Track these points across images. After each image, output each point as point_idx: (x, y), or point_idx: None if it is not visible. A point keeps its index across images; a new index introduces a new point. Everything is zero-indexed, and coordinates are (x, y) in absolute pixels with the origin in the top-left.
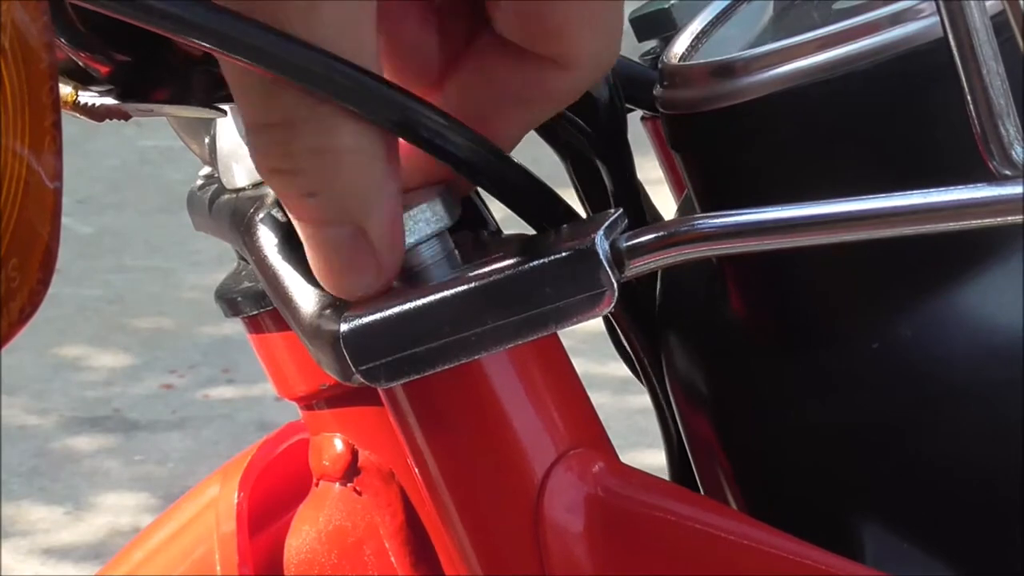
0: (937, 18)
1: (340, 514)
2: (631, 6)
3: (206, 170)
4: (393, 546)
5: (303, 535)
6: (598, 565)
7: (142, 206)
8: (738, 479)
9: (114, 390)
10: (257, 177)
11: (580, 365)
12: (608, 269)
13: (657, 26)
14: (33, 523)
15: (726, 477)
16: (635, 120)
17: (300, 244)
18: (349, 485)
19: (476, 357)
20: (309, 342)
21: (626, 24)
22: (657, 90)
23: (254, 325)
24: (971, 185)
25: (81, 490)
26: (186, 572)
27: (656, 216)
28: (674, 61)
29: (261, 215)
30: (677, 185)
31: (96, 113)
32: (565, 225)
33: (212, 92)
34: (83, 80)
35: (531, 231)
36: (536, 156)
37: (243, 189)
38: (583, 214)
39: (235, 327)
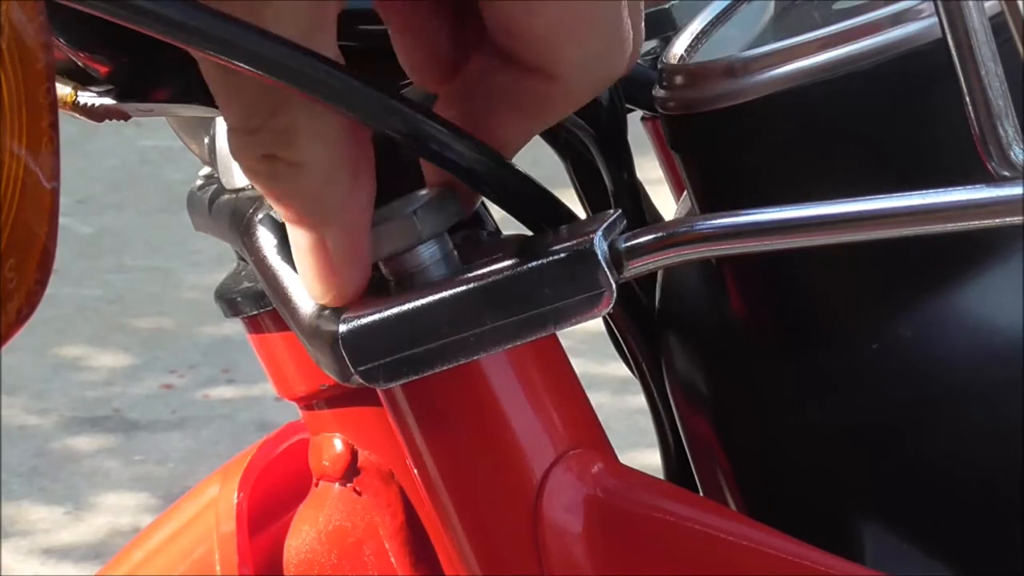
0: (937, 18)
1: (340, 514)
2: None
3: (206, 170)
4: (393, 546)
5: (303, 535)
6: (597, 565)
7: (142, 206)
8: (738, 479)
9: (114, 390)
10: None
11: (580, 365)
12: (607, 270)
13: (657, 26)
14: (33, 523)
15: (726, 477)
16: (635, 120)
17: None
18: (349, 485)
19: (475, 358)
20: (308, 342)
21: None
22: (657, 90)
23: (254, 325)
24: (970, 186)
25: (81, 490)
26: (186, 572)
27: (656, 216)
28: (674, 61)
29: (260, 215)
30: (677, 185)
31: (96, 113)
32: (564, 226)
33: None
34: (82, 80)
35: (530, 232)
36: (536, 156)
37: (243, 189)
38: (583, 215)
39: (235, 327)
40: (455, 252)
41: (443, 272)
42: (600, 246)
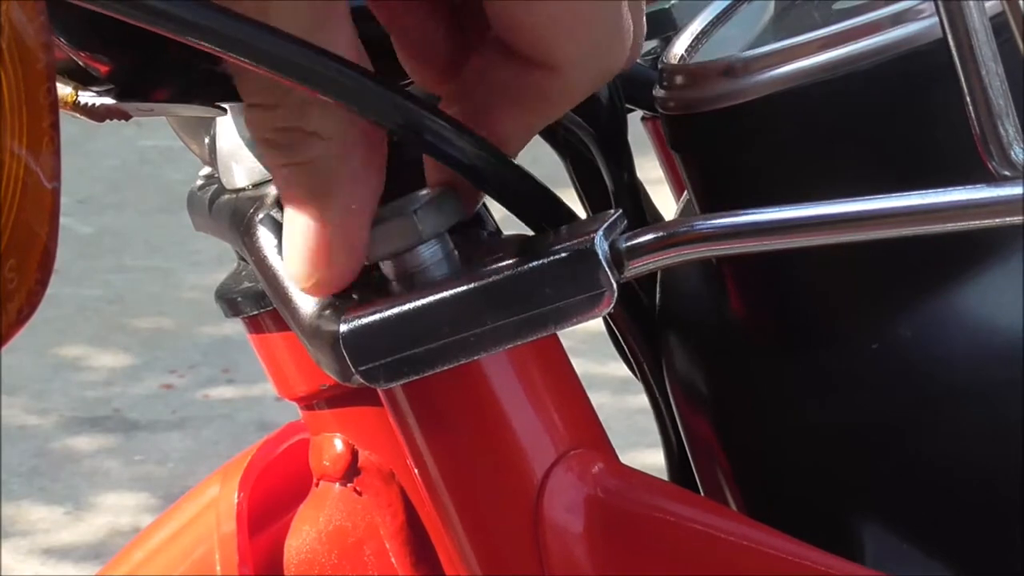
0: (937, 18)
1: (340, 514)
2: None
3: (206, 170)
4: (393, 546)
5: (303, 535)
6: (598, 566)
7: (142, 206)
8: (738, 479)
9: (114, 390)
10: (257, 177)
11: (580, 365)
12: (607, 269)
13: (657, 26)
14: (33, 523)
15: (726, 477)
16: (635, 120)
17: None
18: (349, 485)
19: (475, 358)
20: (308, 342)
21: None
22: (657, 90)
23: (254, 325)
24: (970, 186)
25: (81, 490)
26: (186, 572)
27: (656, 216)
28: (674, 61)
29: (261, 215)
30: (677, 185)
31: (96, 113)
32: (564, 226)
33: (212, 91)
34: (83, 80)
35: (531, 232)
36: (536, 156)
37: (243, 189)
38: (583, 215)
39: (235, 327)
40: (456, 252)
41: (444, 272)
42: (601, 246)
